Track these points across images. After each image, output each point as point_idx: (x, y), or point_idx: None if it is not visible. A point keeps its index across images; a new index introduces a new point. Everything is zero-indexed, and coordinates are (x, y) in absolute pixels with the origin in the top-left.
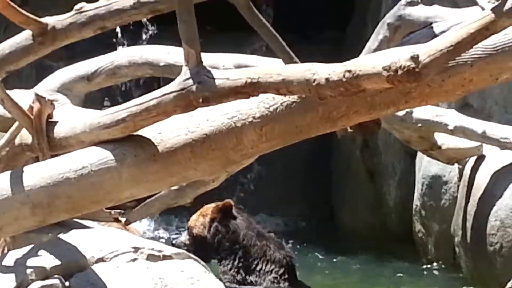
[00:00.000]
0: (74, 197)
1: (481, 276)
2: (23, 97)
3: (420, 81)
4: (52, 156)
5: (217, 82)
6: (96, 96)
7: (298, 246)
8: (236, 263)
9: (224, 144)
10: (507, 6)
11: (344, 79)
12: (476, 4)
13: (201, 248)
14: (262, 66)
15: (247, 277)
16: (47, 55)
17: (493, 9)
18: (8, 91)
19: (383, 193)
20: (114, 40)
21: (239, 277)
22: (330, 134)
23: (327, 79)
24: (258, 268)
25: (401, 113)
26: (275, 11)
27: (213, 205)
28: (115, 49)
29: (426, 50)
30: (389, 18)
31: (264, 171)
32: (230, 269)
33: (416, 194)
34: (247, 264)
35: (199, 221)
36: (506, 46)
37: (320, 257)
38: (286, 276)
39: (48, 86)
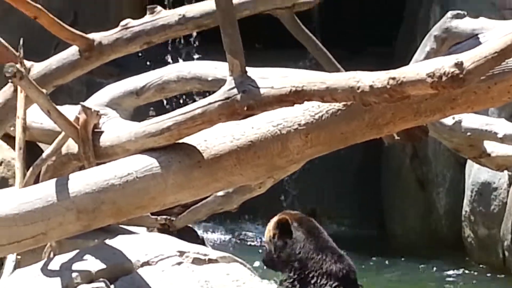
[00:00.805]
0: (119, 203)
1: None
2: (73, 112)
3: (465, 87)
4: (98, 165)
5: (262, 91)
6: (143, 107)
7: (350, 255)
8: (291, 274)
9: (270, 151)
10: None
11: (388, 86)
12: None
13: (271, 262)
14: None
15: None
16: (97, 72)
17: None
18: (58, 107)
19: (433, 201)
20: (164, 57)
21: None
22: (380, 144)
23: (371, 86)
24: (313, 281)
25: (450, 122)
26: (323, 27)
27: (275, 218)
28: (165, 65)
29: (470, 57)
30: (435, 30)
31: (315, 180)
32: (286, 280)
33: (466, 201)
34: (303, 277)
35: (266, 236)
36: None
37: (371, 264)
38: None
39: (97, 101)
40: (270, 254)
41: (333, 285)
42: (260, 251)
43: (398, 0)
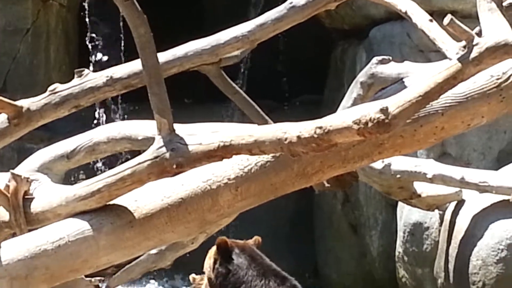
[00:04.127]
0: (52, 268)
1: None
2: (4, 179)
3: (391, 132)
4: (30, 231)
5: (190, 148)
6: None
7: None
8: None
9: (200, 206)
10: (472, 55)
11: (315, 135)
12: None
13: None
14: (234, 129)
15: None
16: (27, 137)
17: (459, 59)
18: None
19: (366, 244)
20: (94, 120)
21: None
22: (312, 192)
23: (298, 137)
24: None
25: (379, 166)
26: (251, 79)
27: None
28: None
29: (395, 102)
30: (361, 76)
31: (249, 229)
32: None
33: (399, 242)
34: None
35: (206, 263)
36: (476, 93)
37: None
38: None
39: (28, 166)
40: (211, 283)
41: None
42: None
43: (325, 48)
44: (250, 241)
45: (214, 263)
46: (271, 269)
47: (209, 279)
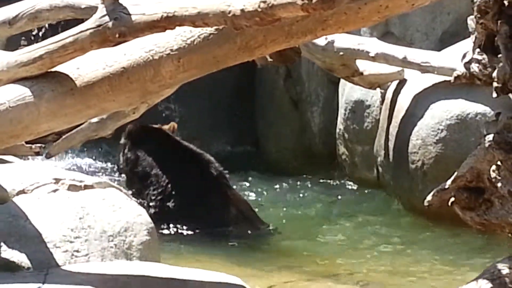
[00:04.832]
0: None
1: (403, 193)
2: None
3: (336, 9)
4: None
5: (133, 17)
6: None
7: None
8: (153, 192)
9: (142, 76)
10: None
11: (259, 9)
12: None
13: (128, 180)
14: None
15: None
16: None
17: None
18: None
19: (307, 120)
20: None
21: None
22: (254, 67)
23: (242, 10)
24: (174, 193)
25: (322, 43)
26: None
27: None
28: None
29: None
30: None
31: (190, 102)
32: (148, 197)
33: (340, 119)
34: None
35: (120, 149)
36: None
37: (247, 184)
38: (204, 189)
39: None
40: (122, 170)
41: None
42: None
43: None
44: (166, 126)
45: (123, 148)
46: (183, 149)
47: (123, 164)
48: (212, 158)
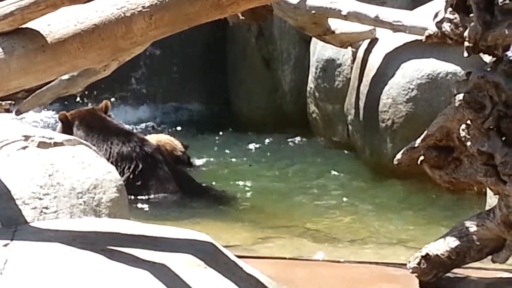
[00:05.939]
0: None
1: (373, 151)
2: None
3: None
4: None
5: None
6: None
7: (196, 133)
8: None
9: (113, 33)
10: None
11: None
12: None
13: None
14: None
15: None
16: None
17: None
18: None
19: (278, 78)
20: None
21: None
22: (226, 24)
23: None
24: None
25: (294, 1)
26: None
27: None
28: None
29: None
30: None
31: (162, 60)
32: None
33: (311, 77)
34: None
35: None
36: None
37: (218, 141)
38: (140, 167)
39: None
40: None
41: (131, 167)
42: None
43: None
44: (98, 106)
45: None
46: (113, 130)
47: None
48: (143, 136)
